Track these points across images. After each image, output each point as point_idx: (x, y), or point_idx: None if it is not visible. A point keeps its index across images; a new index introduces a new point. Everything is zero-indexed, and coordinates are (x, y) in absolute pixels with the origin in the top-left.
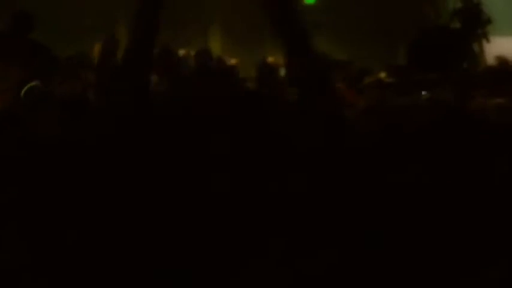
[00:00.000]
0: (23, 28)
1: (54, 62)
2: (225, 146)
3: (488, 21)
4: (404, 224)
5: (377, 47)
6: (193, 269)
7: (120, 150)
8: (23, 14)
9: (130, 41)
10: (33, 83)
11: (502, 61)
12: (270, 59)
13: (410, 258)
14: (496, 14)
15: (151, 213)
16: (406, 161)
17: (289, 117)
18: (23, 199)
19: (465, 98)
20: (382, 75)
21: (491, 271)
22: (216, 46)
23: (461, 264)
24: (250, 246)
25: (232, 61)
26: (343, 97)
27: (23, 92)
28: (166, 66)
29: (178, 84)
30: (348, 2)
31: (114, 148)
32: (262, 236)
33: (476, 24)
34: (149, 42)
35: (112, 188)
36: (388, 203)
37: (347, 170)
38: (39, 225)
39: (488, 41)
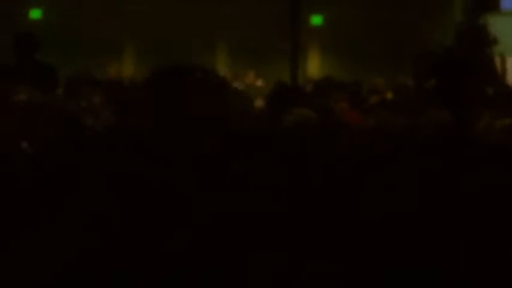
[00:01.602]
0: (28, 49)
1: (56, 81)
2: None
3: (494, 41)
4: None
5: (383, 68)
6: None
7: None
8: (27, 35)
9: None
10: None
11: None
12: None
13: None
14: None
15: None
16: (395, 184)
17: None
18: None
19: (471, 118)
20: (389, 95)
21: None
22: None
23: None
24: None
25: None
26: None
27: None
28: None
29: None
30: (355, 25)
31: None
32: None
33: (482, 45)
34: None
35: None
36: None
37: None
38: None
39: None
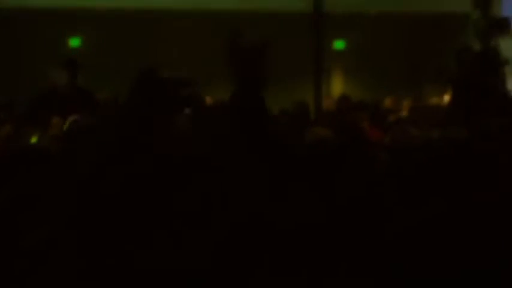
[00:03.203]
0: (73, 75)
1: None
2: None
3: (506, 62)
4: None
5: (403, 88)
6: None
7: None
8: (71, 62)
9: None
10: (74, 117)
11: None
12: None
13: None
14: None
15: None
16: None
17: None
18: None
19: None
20: (404, 113)
21: None
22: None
23: None
24: None
25: None
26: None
27: (65, 125)
28: None
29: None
30: (376, 47)
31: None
32: None
33: (495, 66)
34: None
35: None
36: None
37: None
38: None
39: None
